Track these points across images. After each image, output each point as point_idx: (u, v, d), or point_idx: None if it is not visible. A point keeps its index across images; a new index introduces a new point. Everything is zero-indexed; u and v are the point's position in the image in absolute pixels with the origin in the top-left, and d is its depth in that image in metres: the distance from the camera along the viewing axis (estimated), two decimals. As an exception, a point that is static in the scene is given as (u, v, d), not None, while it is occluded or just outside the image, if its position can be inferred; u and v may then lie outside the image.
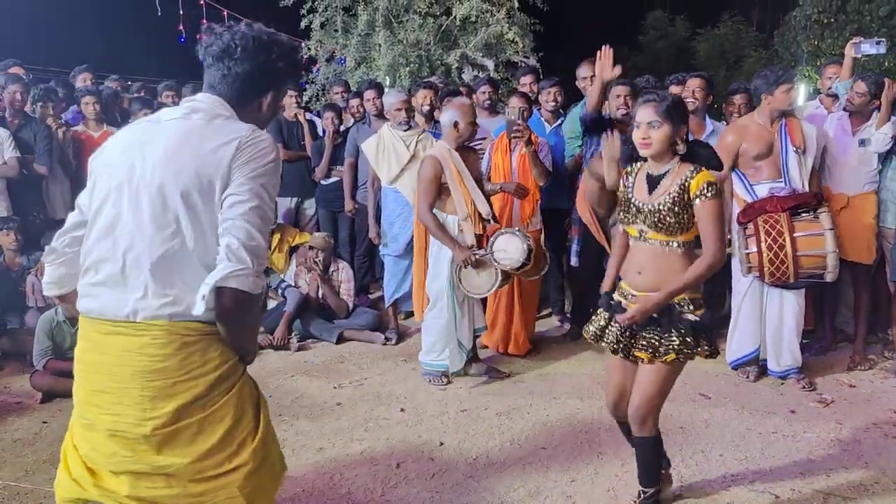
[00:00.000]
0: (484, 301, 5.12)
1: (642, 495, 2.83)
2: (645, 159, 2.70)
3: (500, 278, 4.14)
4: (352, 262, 5.99)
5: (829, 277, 3.96)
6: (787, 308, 4.24)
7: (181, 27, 10.13)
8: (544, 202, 4.98)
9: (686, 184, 2.56)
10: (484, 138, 5.25)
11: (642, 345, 2.66)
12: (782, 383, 4.34)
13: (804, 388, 4.25)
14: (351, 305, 5.62)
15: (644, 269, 2.68)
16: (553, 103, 5.27)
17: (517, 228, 4.22)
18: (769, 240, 3.85)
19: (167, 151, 1.74)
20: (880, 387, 4.37)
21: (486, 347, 5.02)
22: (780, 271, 3.88)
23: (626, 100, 4.93)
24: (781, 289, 4.17)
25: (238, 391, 1.83)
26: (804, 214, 3.96)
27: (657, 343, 2.62)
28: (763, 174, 4.23)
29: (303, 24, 9.13)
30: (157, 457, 1.75)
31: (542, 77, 6.01)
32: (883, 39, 4.98)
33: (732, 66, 18.59)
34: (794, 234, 3.86)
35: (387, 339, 5.29)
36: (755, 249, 3.96)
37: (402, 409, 4.07)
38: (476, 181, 4.31)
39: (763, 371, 4.44)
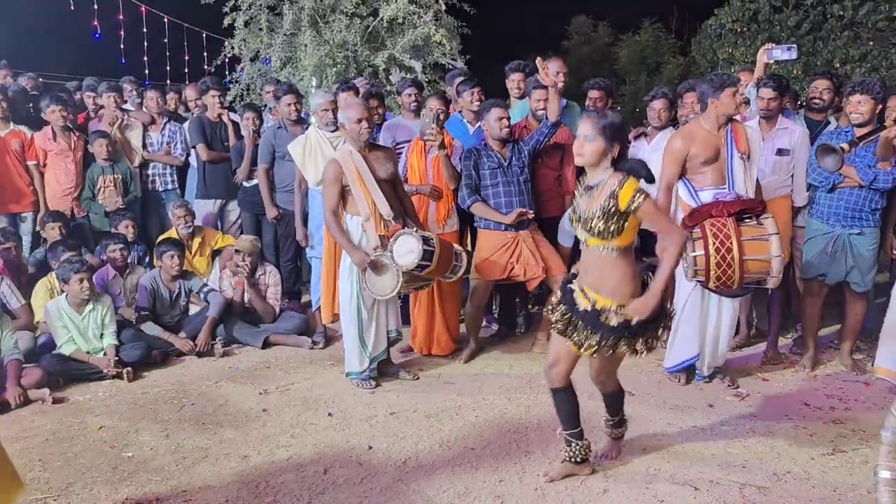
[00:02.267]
0: (407, 304, 5.12)
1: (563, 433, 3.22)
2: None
3: (401, 279, 4.13)
4: (278, 266, 5.87)
5: (771, 284, 3.95)
6: (725, 315, 4.25)
7: (96, 22, 9.71)
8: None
9: (615, 194, 2.75)
10: (408, 141, 5.24)
11: (574, 337, 2.95)
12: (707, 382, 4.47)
13: (729, 386, 4.39)
14: (278, 309, 5.51)
15: (588, 271, 2.96)
16: (478, 103, 5.26)
17: (415, 229, 4.21)
18: (717, 242, 3.81)
19: None
20: (791, 380, 4.58)
21: (412, 350, 5.02)
22: (725, 275, 3.84)
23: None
24: (720, 295, 4.16)
25: None
26: (748, 220, 3.97)
27: (583, 340, 2.92)
28: (708, 180, 4.17)
29: (226, 22, 8.89)
30: None
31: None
32: (794, 45, 5.14)
33: (653, 71, 19.16)
34: (742, 238, 3.84)
35: (314, 342, 5.22)
36: (702, 252, 3.88)
37: (329, 414, 4.02)
38: (382, 181, 4.29)
39: (692, 373, 4.50)
